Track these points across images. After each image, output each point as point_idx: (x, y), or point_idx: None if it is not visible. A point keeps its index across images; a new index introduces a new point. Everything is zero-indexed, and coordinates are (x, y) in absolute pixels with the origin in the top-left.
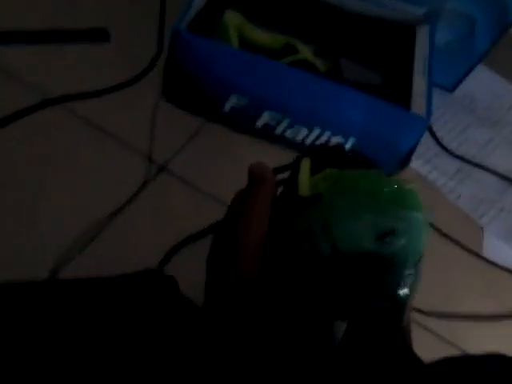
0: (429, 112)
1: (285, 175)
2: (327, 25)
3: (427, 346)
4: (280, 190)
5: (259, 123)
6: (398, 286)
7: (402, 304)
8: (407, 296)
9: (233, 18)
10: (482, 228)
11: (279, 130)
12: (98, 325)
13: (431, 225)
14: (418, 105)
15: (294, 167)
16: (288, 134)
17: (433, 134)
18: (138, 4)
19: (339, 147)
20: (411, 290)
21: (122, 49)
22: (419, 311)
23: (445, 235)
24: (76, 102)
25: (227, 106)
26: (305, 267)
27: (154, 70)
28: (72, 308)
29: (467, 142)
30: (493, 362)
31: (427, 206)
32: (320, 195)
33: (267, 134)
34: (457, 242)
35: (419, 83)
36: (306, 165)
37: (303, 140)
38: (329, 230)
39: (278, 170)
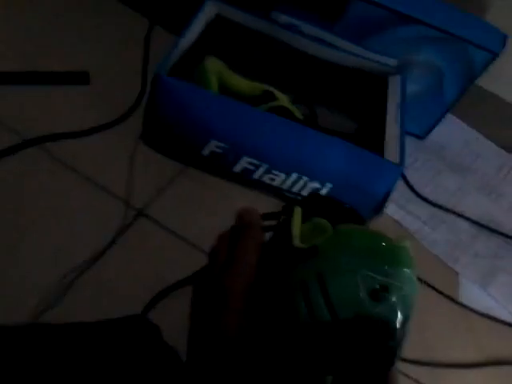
0: (402, 158)
1: (271, 222)
2: (304, 74)
3: None
4: (268, 236)
5: (237, 168)
6: (389, 339)
7: (391, 358)
8: (397, 350)
9: (213, 64)
10: (457, 273)
11: (257, 175)
12: (81, 371)
13: None
14: (391, 151)
15: (287, 215)
16: (265, 179)
17: (406, 180)
18: (119, 48)
19: (332, 198)
20: (401, 344)
21: (103, 91)
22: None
23: (421, 281)
24: (54, 143)
25: (206, 151)
26: (299, 330)
27: (134, 113)
28: (55, 353)
29: (439, 188)
30: None
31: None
32: (316, 248)
33: (245, 179)
34: (434, 288)
35: (392, 130)
36: (298, 214)
37: (281, 185)
38: (323, 286)
39: (267, 216)
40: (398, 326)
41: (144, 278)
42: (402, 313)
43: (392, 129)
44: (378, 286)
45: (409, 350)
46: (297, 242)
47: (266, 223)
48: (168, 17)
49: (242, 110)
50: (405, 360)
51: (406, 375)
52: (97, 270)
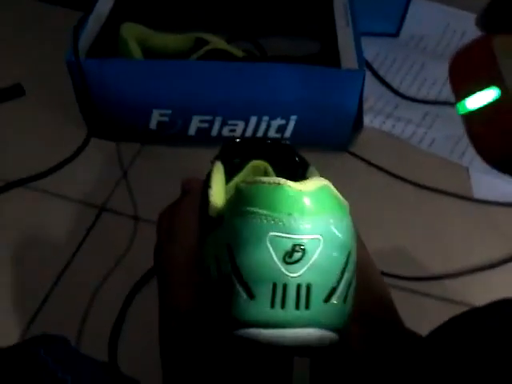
0: (361, 62)
1: None
2: (238, 8)
3: (440, 313)
4: None
5: (192, 131)
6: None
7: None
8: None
9: (130, 30)
10: (466, 168)
11: (215, 132)
12: None
13: (411, 182)
14: (348, 58)
15: (207, 176)
16: (225, 132)
17: (388, 85)
18: (45, 48)
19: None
20: (347, 287)
21: (40, 99)
22: (419, 279)
23: (428, 188)
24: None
25: (153, 123)
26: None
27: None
28: None
29: (427, 83)
30: (498, 311)
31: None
32: (222, 216)
33: (204, 139)
34: (444, 192)
35: (344, 36)
36: (216, 172)
37: (243, 134)
38: (233, 261)
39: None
40: (331, 283)
41: (120, 273)
42: (331, 266)
43: (344, 34)
44: (289, 248)
45: (430, 265)
46: (213, 207)
47: None
48: None
49: (170, 67)
50: (428, 278)
51: (428, 294)
52: (69, 276)
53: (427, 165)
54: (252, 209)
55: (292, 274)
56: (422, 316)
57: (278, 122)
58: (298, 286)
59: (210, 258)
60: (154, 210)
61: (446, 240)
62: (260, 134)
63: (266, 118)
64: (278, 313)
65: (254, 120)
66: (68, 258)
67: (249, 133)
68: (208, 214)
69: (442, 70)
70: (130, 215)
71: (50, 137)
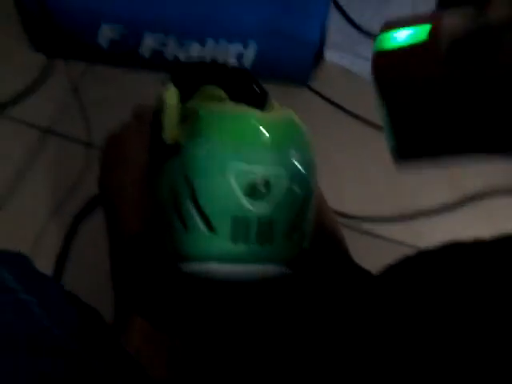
0: None
1: None
2: None
3: (385, 254)
4: None
5: (144, 51)
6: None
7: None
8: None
9: None
10: None
11: (169, 54)
12: None
13: (369, 122)
14: None
15: (159, 100)
16: (181, 55)
17: (349, 19)
18: None
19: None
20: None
21: None
22: (370, 220)
23: (377, 127)
24: None
25: (103, 40)
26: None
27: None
28: None
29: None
30: (447, 252)
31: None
32: (179, 145)
33: (158, 62)
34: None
35: None
36: (170, 95)
37: (200, 58)
38: (192, 191)
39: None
40: (292, 218)
41: (65, 199)
42: (294, 201)
43: None
44: (253, 181)
45: (381, 207)
46: (166, 135)
47: None
48: None
49: None
50: (378, 220)
51: (378, 235)
52: (18, 200)
53: None
54: (213, 138)
55: (255, 209)
56: (370, 256)
57: (237, 47)
58: (261, 221)
59: (165, 188)
60: (104, 132)
61: (401, 183)
62: (219, 60)
63: (223, 42)
64: (239, 247)
65: (210, 43)
66: (15, 183)
67: (207, 58)
68: (162, 140)
69: (407, 7)
70: (82, 140)
71: None
